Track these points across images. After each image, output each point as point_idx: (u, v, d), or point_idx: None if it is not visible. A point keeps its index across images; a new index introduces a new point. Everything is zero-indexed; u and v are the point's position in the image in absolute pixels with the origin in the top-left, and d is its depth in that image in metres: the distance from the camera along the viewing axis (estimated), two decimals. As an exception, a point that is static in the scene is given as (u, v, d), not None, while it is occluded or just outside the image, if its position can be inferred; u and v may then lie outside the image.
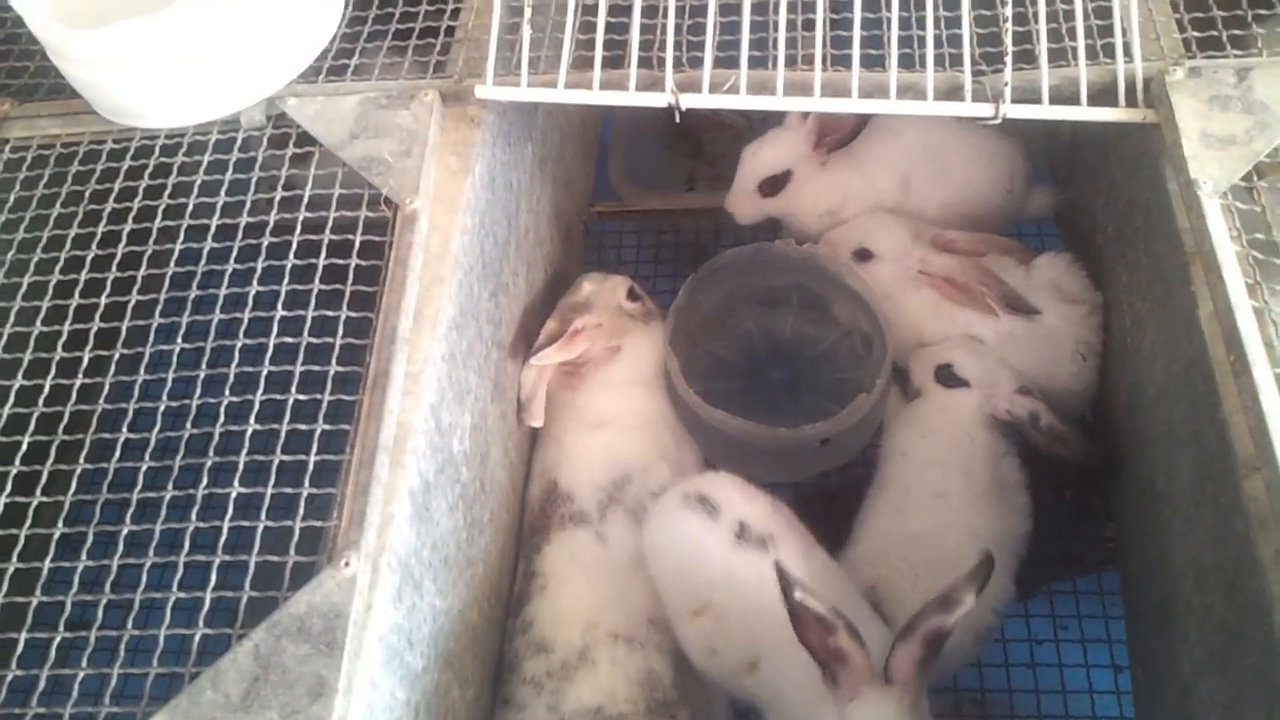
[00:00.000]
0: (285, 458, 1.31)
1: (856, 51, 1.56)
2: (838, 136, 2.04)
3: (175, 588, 1.24)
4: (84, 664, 1.20)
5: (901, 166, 2.13)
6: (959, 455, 1.84)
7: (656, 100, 1.58)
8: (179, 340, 1.43)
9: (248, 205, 1.54)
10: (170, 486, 1.32)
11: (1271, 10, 1.65)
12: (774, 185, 2.13)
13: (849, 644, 1.37)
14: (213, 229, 1.53)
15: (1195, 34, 1.61)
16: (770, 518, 1.66)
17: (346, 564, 1.21)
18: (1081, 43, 1.57)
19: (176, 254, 1.52)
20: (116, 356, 1.44)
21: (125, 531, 1.29)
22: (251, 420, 1.34)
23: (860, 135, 2.05)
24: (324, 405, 1.35)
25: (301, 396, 1.36)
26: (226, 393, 1.37)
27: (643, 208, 2.54)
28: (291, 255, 1.47)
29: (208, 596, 1.22)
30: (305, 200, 1.52)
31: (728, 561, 1.62)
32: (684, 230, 2.53)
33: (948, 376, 1.91)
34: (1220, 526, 1.36)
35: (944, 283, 1.98)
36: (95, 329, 1.45)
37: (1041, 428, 1.82)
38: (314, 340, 1.40)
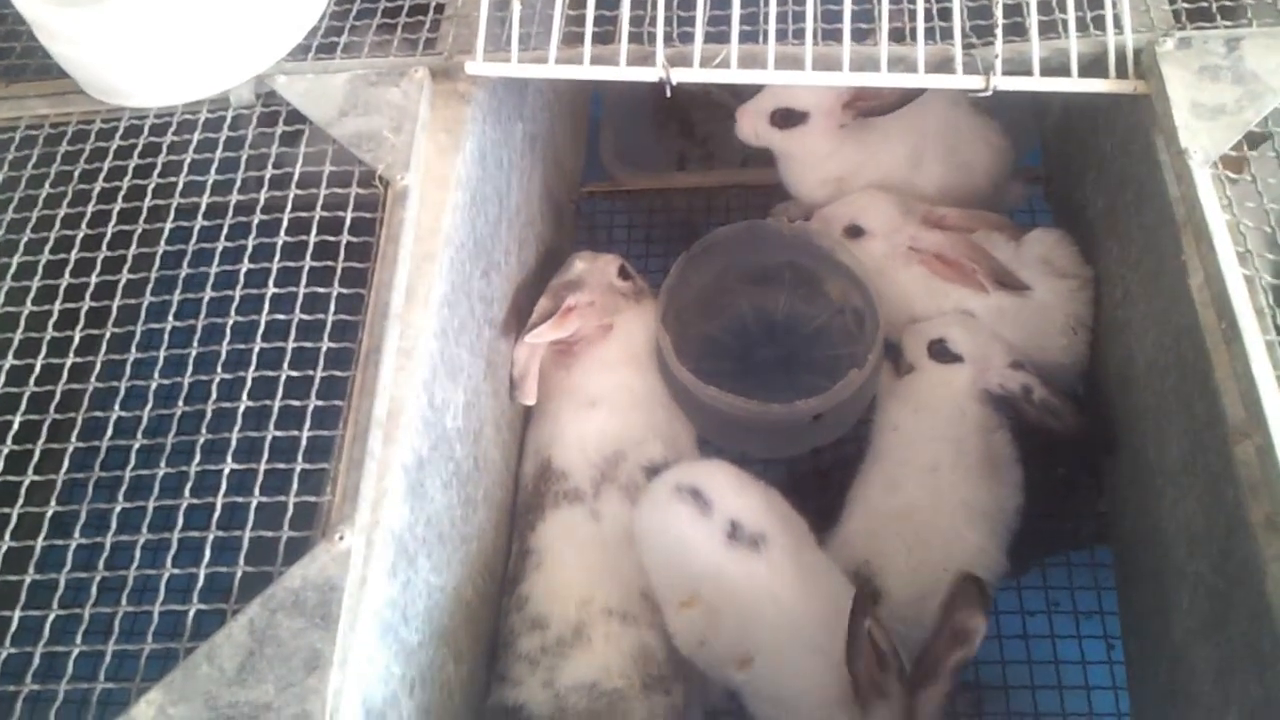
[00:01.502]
0: (278, 434, 1.31)
1: (847, 25, 1.56)
2: (872, 105, 2.00)
3: (169, 564, 1.24)
4: (78, 641, 1.20)
5: (917, 142, 2.12)
6: (951, 429, 1.84)
7: (647, 75, 1.58)
8: (170, 318, 1.43)
9: (238, 183, 1.54)
10: (163, 464, 1.31)
11: (1261, -18, 1.65)
12: (786, 119, 2.08)
13: (894, 684, 1.39)
14: (203, 207, 1.52)
15: (1185, 5, 1.61)
16: (763, 514, 1.66)
17: (341, 538, 1.21)
18: (1072, 14, 1.57)
19: (167, 233, 1.52)
20: (107, 335, 1.44)
21: (118, 509, 1.29)
22: (244, 397, 1.33)
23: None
24: (316, 381, 1.34)
25: (294, 373, 1.35)
26: (219, 370, 1.37)
27: (634, 187, 2.53)
28: (282, 233, 1.47)
29: (202, 573, 1.22)
30: (295, 178, 1.52)
31: (719, 560, 1.62)
32: (675, 209, 2.52)
33: (941, 351, 1.91)
34: (1211, 494, 1.36)
35: (934, 259, 1.98)
36: (86, 308, 1.45)
37: (1035, 401, 1.82)
38: (305, 317, 1.39)
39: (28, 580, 1.25)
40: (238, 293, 1.43)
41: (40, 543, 1.28)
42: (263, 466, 1.29)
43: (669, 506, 1.68)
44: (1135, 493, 1.71)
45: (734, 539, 1.63)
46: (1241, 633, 1.28)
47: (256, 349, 1.38)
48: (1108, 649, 1.86)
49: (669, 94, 1.60)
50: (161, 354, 1.40)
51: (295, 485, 1.26)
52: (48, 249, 1.51)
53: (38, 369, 1.40)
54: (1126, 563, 1.81)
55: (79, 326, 1.43)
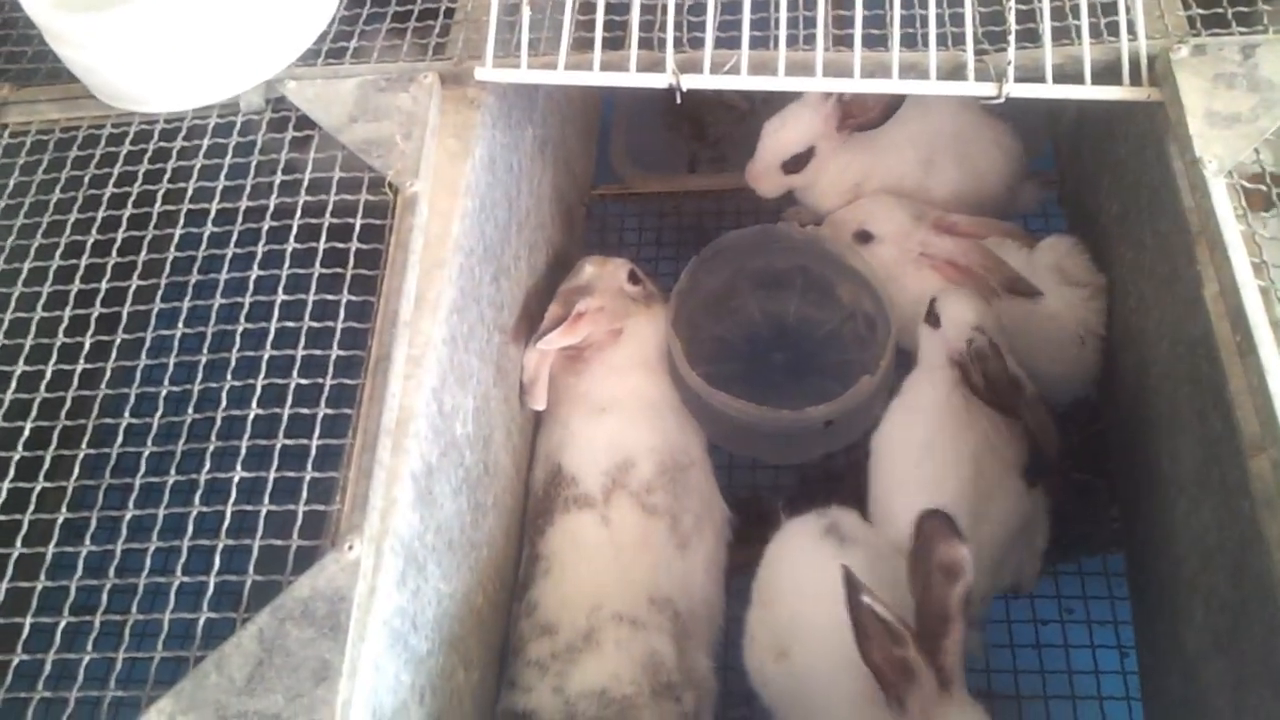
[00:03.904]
0: (287, 442, 1.30)
1: (859, 31, 1.55)
2: (863, 120, 2.01)
3: (179, 572, 1.24)
4: (89, 648, 1.21)
5: (928, 147, 2.12)
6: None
7: (657, 81, 1.57)
8: (180, 325, 1.43)
9: (248, 189, 1.54)
10: (173, 471, 1.32)
11: (1278, -13, 1.64)
12: (797, 162, 2.11)
13: (917, 659, 1.30)
14: (213, 213, 1.52)
15: (1200, 11, 1.60)
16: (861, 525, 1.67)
17: (350, 547, 1.21)
18: (1085, 21, 1.56)
19: (177, 239, 1.52)
20: (118, 341, 1.44)
21: (129, 516, 1.29)
22: (254, 405, 1.34)
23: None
24: (326, 389, 1.34)
25: (303, 381, 1.35)
26: (228, 377, 1.37)
27: (644, 190, 2.53)
28: (292, 239, 1.47)
29: (211, 581, 1.22)
30: (305, 184, 1.52)
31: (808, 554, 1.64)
32: (686, 212, 2.52)
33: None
34: (1225, 507, 1.35)
35: (946, 265, 1.97)
36: (97, 314, 1.45)
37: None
38: (315, 324, 1.39)
39: (39, 587, 1.25)
40: (247, 299, 1.43)
41: (51, 549, 1.29)
42: (272, 474, 1.29)
43: (812, 539, 1.68)
44: (1148, 503, 1.69)
45: (828, 535, 1.63)
46: (1256, 647, 1.27)
47: (266, 356, 1.38)
48: (1121, 659, 1.84)
49: (679, 100, 1.60)
50: (171, 361, 1.41)
51: (305, 493, 1.26)
52: (58, 254, 1.51)
53: (49, 375, 1.41)
54: (1139, 573, 1.80)
55: (90, 332, 1.43)
